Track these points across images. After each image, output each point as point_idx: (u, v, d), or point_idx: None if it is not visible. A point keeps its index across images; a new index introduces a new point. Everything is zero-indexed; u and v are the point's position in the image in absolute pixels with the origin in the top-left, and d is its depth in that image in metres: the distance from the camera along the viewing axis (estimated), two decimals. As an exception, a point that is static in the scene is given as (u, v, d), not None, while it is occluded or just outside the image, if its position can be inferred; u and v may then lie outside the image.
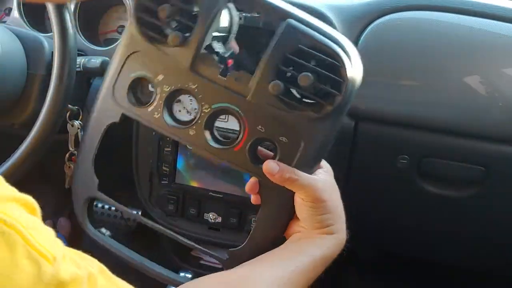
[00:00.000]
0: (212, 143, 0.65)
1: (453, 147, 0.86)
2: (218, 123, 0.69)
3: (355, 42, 0.88)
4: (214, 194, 0.86)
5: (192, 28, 0.64)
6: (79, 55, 0.85)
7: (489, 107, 0.83)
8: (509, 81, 0.82)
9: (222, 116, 0.70)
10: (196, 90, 0.66)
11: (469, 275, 1.19)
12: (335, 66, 0.60)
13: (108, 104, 0.68)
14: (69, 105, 0.80)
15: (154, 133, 0.86)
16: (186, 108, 0.72)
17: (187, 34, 0.64)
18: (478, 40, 0.84)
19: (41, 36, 0.85)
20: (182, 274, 0.95)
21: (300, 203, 0.62)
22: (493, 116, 0.83)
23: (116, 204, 0.73)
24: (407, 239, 1.06)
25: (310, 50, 0.61)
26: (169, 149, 0.86)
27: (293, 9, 0.64)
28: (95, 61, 0.85)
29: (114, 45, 0.94)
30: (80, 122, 0.84)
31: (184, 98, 0.70)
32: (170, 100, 0.67)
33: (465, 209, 0.92)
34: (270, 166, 0.61)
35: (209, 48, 0.66)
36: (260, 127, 0.64)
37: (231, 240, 0.96)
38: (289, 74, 0.62)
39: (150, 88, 0.68)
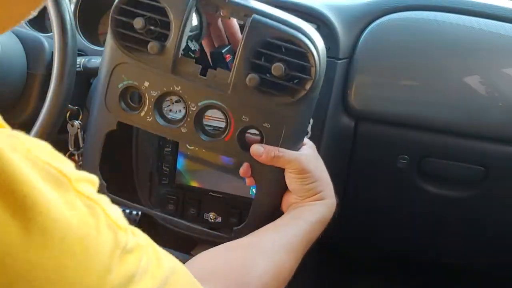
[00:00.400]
0: (204, 137, 0.71)
1: (453, 147, 0.86)
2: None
3: (355, 42, 0.88)
4: (214, 194, 0.86)
5: (167, 35, 0.69)
6: (79, 55, 0.85)
7: (489, 107, 0.83)
8: (509, 81, 0.82)
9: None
10: (181, 91, 0.71)
11: (469, 275, 1.19)
12: (302, 53, 0.66)
13: (103, 114, 0.73)
14: (69, 105, 0.80)
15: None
16: (175, 107, 0.77)
17: (164, 42, 0.70)
18: (478, 40, 0.84)
19: (41, 36, 0.85)
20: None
21: (290, 177, 0.69)
22: (493, 116, 0.83)
23: (124, 202, 0.75)
24: (407, 239, 1.06)
25: (277, 41, 0.67)
26: (169, 149, 0.86)
27: (257, 5, 0.69)
28: (95, 61, 0.85)
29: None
30: (80, 122, 0.84)
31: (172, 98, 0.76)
32: (159, 103, 0.73)
33: (465, 209, 0.92)
34: (256, 149, 0.69)
35: (186, 48, 0.72)
36: (244, 117, 0.70)
37: (231, 240, 0.96)
38: (262, 65, 0.67)
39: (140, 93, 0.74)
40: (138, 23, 0.69)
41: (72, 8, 0.94)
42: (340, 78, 0.87)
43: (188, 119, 0.71)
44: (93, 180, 0.36)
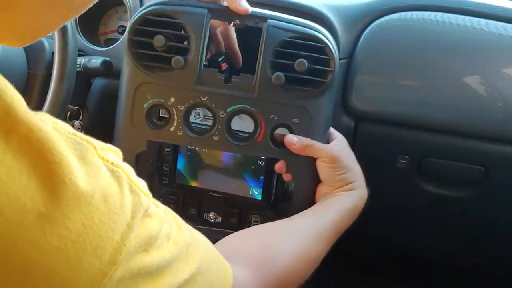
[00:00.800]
0: (237, 142, 0.74)
1: (453, 147, 0.86)
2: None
3: (355, 42, 0.88)
4: (214, 194, 0.86)
5: (187, 49, 0.73)
6: (79, 55, 0.85)
7: (489, 107, 0.83)
8: (509, 81, 0.82)
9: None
10: (208, 101, 0.74)
11: (469, 275, 1.19)
12: (322, 48, 0.71)
13: (131, 135, 0.75)
14: (70, 105, 0.80)
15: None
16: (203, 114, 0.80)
17: (186, 56, 0.72)
18: (478, 40, 0.84)
19: (41, 36, 0.85)
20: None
21: (321, 166, 0.72)
22: (493, 116, 0.83)
23: None
24: (407, 239, 1.06)
25: (296, 40, 0.72)
26: (169, 149, 0.86)
27: (268, 12, 0.74)
28: (95, 61, 0.85)
29: (114, 45, 0.94)
30: (80, 122, 0.84)
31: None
32: (187, 116, 0.75)
33: (465, 209, 0.92)
34: (290, 138, 0.72)
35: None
36: (273, 116, 0.74)
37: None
38: (284, 64, 0.72)
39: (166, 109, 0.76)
40: (158, 41, 0.71)
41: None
42: (340, 78, 0.87)
43: (219, 127, 0.73)
44: (117, 151, 0.39)
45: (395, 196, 0.95)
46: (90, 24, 1.00)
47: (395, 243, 1.09)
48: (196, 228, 0.90)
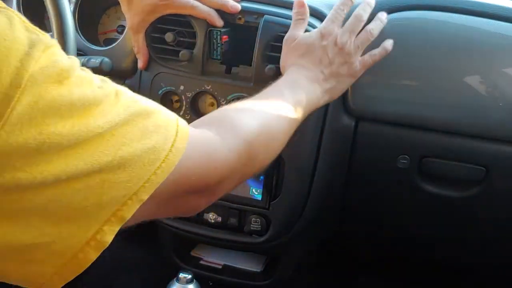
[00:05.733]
0: None
1: (453, 147, 0.86)
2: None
3: (355, 42, 0.87)
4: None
5: (195, 43, 0.84)
6: (79, 55, 0.85)
7: (489, 107, 0.83)
8: (509, 81, 0.82)
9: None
10: (211, 89, 0.85)
11: (469, 275, 1.19)
12: None
13: None
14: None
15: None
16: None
17: (192, 49, 0.84)
18: (478, 40, 0.84)
19: (41, 36, 0.85)
20: (181, 274, 0.94)
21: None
22: (493, 116, 0.83)
23: None
24: (407, 239, 1.06)
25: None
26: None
27: (267, 7, 0.84)
28: (95, 61, 0.85)
29: (114, 44, 0.94)
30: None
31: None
32: (194, 102, 0.87)
33: (465, 209, 0.92)
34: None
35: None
36: None
37: (231, 240, 0.96)
38: (277, 56, 0.79)
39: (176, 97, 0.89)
40: (169, 36, 0.84)
41: (72, 8, 0.94)
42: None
43: None
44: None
45: (395, 196, 0.95)
46: (89, 24, 1.00)
47: (395, 243, 1.09)
48: (196, 228, 0.90)
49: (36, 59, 0.36)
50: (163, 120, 0.46)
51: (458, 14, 0.84)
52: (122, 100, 0.42)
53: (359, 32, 0.77)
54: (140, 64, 0.89)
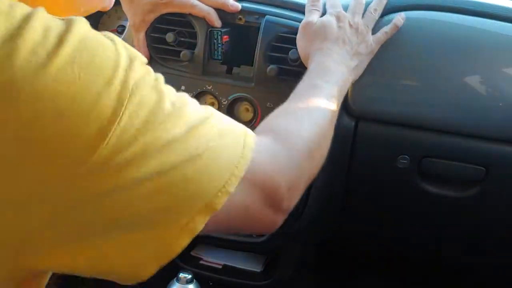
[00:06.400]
0: None
1: (453, 147, 0.86)
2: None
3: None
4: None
5: (195, 44, 0.85)
6: (79, 55, 0.85)
7: (489, 107, 0.83)
8: (509, 81, 0.82)
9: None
10: (212, 89, 0.85)
11: (469, 275, 1.19)
12: None
13: None
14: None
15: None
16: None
17: (193, 50, 0.85)
18: (479, 40, 0.84)
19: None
20: (181, 274, 0.94)
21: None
22: (493, 116, 0.83)
23: None
24: (407, 239, 1.06)
25: (289, 34, 0.80)
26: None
27: (267, 7, 0.85)
28: (95, 61, 0.85)
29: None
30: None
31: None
32: None
33: (465, 209, 0.92)
34: None
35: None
36: (269, 103, 0.82)
37: (231, 240, 0.96)
38: (278, 56, 0.81)
39: None
40: (169, 37, 0.84)
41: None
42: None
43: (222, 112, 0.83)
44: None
45: (395, 196, 0.95)
46: (89, 23, 1.00)
47: (395, 243, 1.09)
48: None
49: (136, 70, 0.42)
50: (233, 124, 0.51)
51: (458, 14, 0.84)
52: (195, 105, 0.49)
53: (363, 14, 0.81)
54: None
